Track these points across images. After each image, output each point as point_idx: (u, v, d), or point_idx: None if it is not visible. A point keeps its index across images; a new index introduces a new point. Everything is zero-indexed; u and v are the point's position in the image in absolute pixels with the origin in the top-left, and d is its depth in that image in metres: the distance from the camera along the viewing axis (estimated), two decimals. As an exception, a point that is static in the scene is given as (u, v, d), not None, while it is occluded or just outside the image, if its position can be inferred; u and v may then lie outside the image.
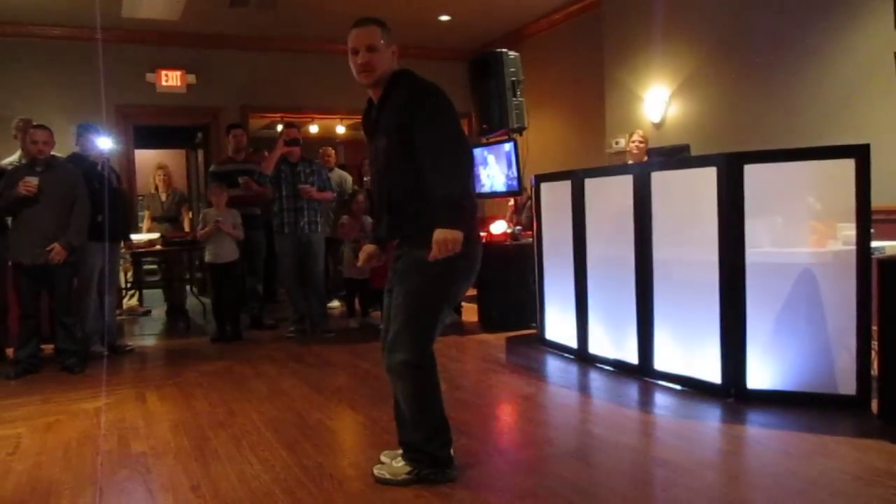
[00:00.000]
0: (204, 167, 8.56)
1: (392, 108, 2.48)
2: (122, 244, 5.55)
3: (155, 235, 6.47)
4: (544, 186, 5.01)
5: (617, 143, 6.84)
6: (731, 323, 3.51)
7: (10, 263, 4.77)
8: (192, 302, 7.17)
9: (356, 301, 6.36)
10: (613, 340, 4.33)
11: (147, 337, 6.19)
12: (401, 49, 2.59)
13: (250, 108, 8.40)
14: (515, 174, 5.86)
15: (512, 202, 6.61)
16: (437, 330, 2.52)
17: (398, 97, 2.47)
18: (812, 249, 3.44)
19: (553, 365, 4.58)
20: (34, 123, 4.89)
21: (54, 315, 4.80)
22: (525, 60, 5.88)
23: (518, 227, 6.05)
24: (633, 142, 5.70)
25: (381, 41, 2.47)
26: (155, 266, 7.73)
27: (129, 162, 7.88)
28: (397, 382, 2.55)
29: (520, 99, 5.67)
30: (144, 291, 7.81)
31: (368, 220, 5.88)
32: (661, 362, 3.95)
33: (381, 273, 5.82)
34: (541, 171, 5.16)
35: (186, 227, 7.26)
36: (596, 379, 4.20)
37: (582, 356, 4.57)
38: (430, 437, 2.55)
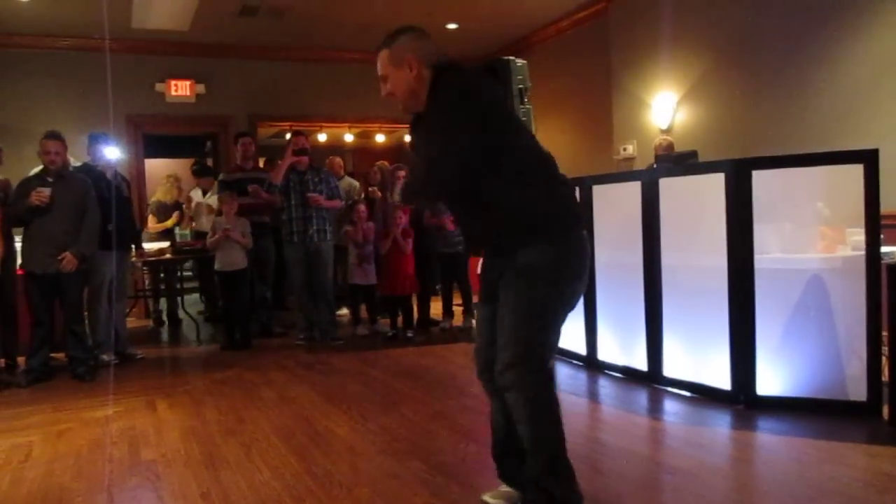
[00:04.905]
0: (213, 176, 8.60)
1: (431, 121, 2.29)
2: (132, 252, 5.58)
3: (165, 244, 6.50)
4: (552, 193, 5.00)
5: (625, 149, 6.84)
6: (740, 329, 3.50)
7: (22, 272, 4.81)
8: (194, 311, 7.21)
9: (363, 308, 6.36)
10: (622, 347, 4.32)
11: (156, 345, 6.22)
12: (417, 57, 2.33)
13: (259, 117, 8.45)
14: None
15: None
16: (555, 338, 2.21)
17: (434, 107, 2.27)
18: (821, 255, 3.43)
19: (562, 372, 4.57)
20: (46, 131, 4.89)
21: (65, 324, 4.83)
22: (532, 67, 5.84)
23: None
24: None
25: (390, 64, 2.31)
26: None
27: (140, 173, 7.95)
28: (512, 398, 2.18)
29: (527, 106, 5.64)
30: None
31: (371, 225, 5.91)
32: (670, 369, 3.94)
33: (388, 279, 5.90)
34: (548, 178, 5.16)
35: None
36: (605, 386, 4.19)
37: (591, 363, 4.56)
38: (551, 468, 2.17)
